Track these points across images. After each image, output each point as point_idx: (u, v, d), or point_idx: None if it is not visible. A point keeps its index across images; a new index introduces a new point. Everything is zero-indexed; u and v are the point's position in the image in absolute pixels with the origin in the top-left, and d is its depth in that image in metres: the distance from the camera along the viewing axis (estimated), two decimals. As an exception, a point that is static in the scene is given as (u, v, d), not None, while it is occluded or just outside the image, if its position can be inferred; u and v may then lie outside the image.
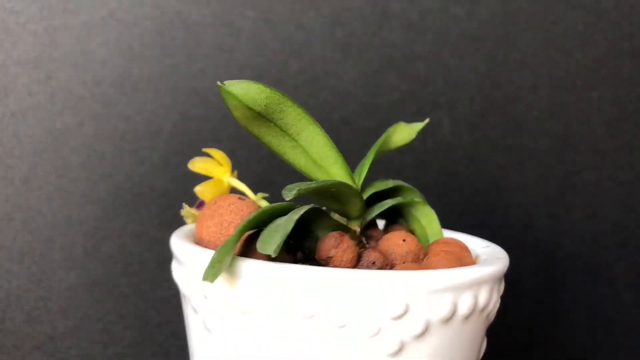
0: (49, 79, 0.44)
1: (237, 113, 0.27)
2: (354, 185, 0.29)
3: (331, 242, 0.27)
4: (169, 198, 0.47)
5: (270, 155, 0.48)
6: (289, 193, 0.26)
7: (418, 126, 0.34)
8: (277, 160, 0.48)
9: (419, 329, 0.25)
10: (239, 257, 0.26)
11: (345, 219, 0.31)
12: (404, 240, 0.29)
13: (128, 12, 0.45)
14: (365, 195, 0.31)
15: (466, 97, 0.51)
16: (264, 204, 0.33)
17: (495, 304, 0.28)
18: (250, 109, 0.27)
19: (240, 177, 0.47)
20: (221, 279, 0.26)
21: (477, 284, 0.26)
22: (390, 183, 0.32)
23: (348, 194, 0.28)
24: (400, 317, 0.25)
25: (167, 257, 0.41)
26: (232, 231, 0.29)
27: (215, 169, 0.34)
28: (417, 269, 0.27)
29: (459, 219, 0.52)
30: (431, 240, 0.32)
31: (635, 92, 0.52)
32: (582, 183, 0.52)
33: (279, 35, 0.47)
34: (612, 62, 0.51)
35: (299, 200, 0.32)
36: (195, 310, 0.28)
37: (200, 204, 0.34)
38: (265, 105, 0.27)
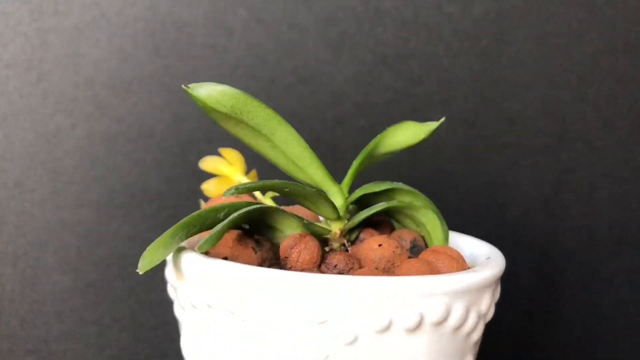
0: (40, 81, 0.44)
1: (210, 115, 0.27)
2: (307, 187, 0.28)
3: (289, 243, 0.27)
4: (163, 199, 0.46)
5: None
6: (227, 192, 0.26)
7: (431, 126, 0.32)
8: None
9: (347, 338, 0.24)
10: (185, 250, 0.27)
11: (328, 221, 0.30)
12: (379, 245, 0.28)
13: (119, 13, 0.45)
14: (354, 197, 0.30)
15: (460, 95, 0.50)
16: (270, 203, 0.33)
17: (463, 321, 0.26)
18: (217, 110, 0.27)
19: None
20: (173, 272, 0.27)
21: (419, 296, 0.24)
22: (383, 185, 0.31)
23: (307, 195, 0.28)
24: (323, 322, 0.24)
25: (161, 259, 0.40)
26: None
27: (225, 168, 0.34)
28: (369, 275, 0.26)
29: (454, 217, 0.52)
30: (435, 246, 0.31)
31: (630, 88, 0.51)
32: (577, 180, 0.52)
33: (272, 35, 0.47)
34: (607, 59, 0.51)
35: (279, 200, 0.32)
36: (172, 300, 0.30)
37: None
38: (230, 107, 0.27)
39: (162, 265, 0.44)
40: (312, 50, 0.48)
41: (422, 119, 0.50)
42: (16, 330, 0.45)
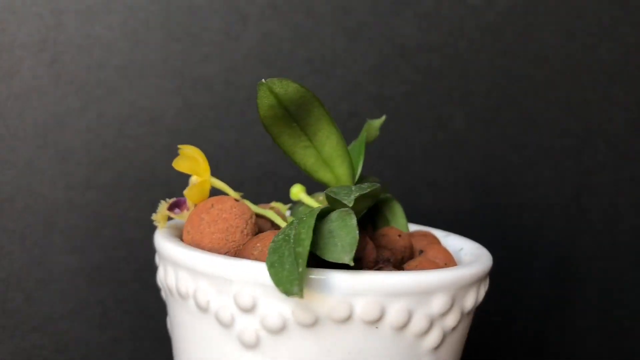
0: (53, 62, 0.44)
1: (269, 112, 0.27)
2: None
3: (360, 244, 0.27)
4: (171, 185, 0.46)
5: (275, 145, 0.47)
6: (348, 199, 0.25)
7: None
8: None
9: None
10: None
11: None
12: (399, 236, 0.30)
13: (133, -4, 0.44)
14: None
15: (481, 91, 0.49)
16: (248, 203, 0.32)
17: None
18: (284, 108, 0.27)
19: (243, 167, 0.47)
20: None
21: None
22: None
23: None
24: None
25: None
26: (237, 236, 0.28)
27: (199, 167, 0.31)
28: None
29: (470, 217, 0.50)
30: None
31: (661, 91, 0.49)
32: (600, 184, 0.50)
33: (287, 23, 0.46)
34: (636, 60, 0.48)
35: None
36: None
37: (176, 205, 0.32)
38: (298, 105, 0.27)
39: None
40: (327, 39, 0.47)
41: (439, 115, 0.49)
42: (21, 307, 0.45)
